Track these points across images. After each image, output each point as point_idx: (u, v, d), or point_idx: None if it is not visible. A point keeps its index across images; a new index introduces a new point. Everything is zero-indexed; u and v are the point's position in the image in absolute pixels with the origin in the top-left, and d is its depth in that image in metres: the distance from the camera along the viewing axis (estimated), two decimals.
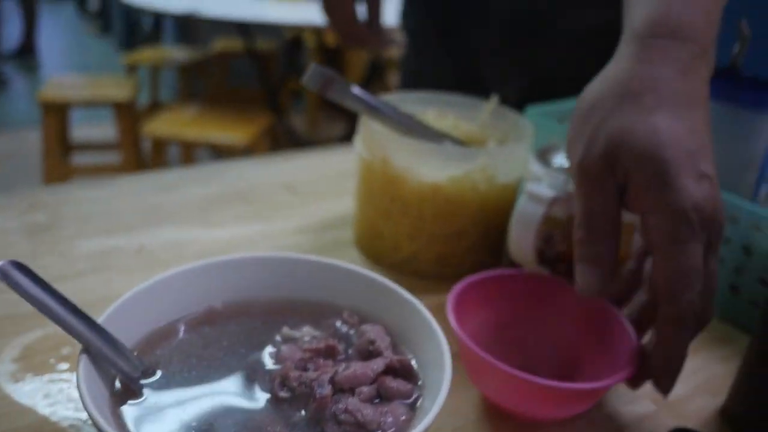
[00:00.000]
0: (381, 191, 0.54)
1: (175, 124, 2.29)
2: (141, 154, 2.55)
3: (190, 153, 2.50)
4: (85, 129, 3.25)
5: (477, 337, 0.43)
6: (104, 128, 3.28)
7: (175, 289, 0.36)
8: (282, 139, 2.82)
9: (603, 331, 0.44)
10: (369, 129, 0.54)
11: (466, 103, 0.60)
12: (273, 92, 2.70)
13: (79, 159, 2.74)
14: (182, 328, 0.36)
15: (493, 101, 0.59)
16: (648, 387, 0.41)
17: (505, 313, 0.46)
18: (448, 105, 0.60)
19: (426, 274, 0.54)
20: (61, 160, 2.46)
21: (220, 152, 2.45)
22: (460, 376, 0.43)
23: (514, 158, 0.53)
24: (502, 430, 0.41)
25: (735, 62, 0.53)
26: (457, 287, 0.43)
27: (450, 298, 0.42)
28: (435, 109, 0.60)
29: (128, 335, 0.34)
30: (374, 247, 0.57)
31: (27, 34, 5.18)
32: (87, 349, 0.31)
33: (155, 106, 3.18)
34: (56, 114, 2.42)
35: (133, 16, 5.10)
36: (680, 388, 0.45)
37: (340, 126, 3.11)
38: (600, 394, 0.42)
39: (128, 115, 2.47)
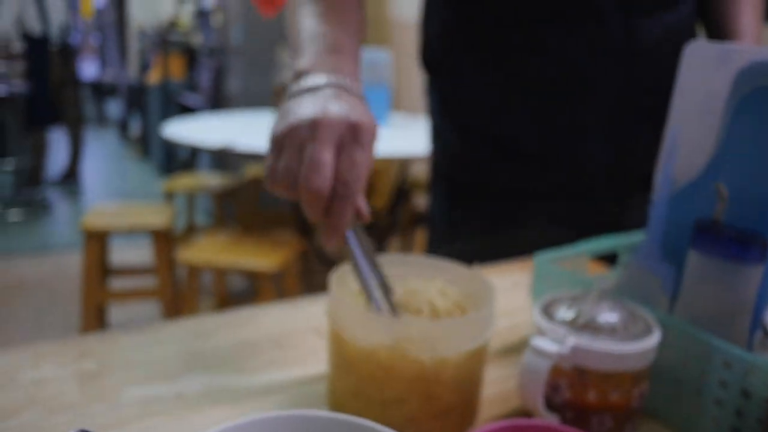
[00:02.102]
0: (333, 347, 0.58)
1: (208, 250, 2.38)
2: (176, 279, 2.64)
3: (222, 278, 2.58)
4: (123, 252, 3.38)
5: None
6: (141, 252, 3.41)
7: None
8: (312, 260, 2.90)
9: None
10: (332, 284, 0.58)
11: (459, 271, 0.64)
12: (301, 215, 2.81)
13: (116, 283, 2.84)
14: None
15: (474, 271, 0.63)
16: None
17: None
18: (438, 271, 0.64)
19: None
20: (99, 284, 2.55)
21: (252, 277, 2.53)
22: None
23: (460, 332, 0.54)
24: None
25: (717, 219, 0.58)
26: None
27: None
28: (423, 274, 0.64)
29: None
30: (330, 401, 0.60)
31: (72, 161, 5.47)
32: None
33: (191, 231, 3.31)
34: (97, 241, 2.54)
35: (171, 143, 5.39)
36: None
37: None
38: None
39: (165, 241, 2.58)
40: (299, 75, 0.64)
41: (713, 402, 0.57)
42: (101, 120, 8.97)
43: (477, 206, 1.07)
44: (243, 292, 3.27)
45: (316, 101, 0.58)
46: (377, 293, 0.58)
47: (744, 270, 0.57)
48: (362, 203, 0.58)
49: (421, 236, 3.21)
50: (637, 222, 0.82)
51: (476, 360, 0.56)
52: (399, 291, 0.61)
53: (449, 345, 0.53)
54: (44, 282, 3.48)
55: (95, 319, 2.59)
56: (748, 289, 0.58)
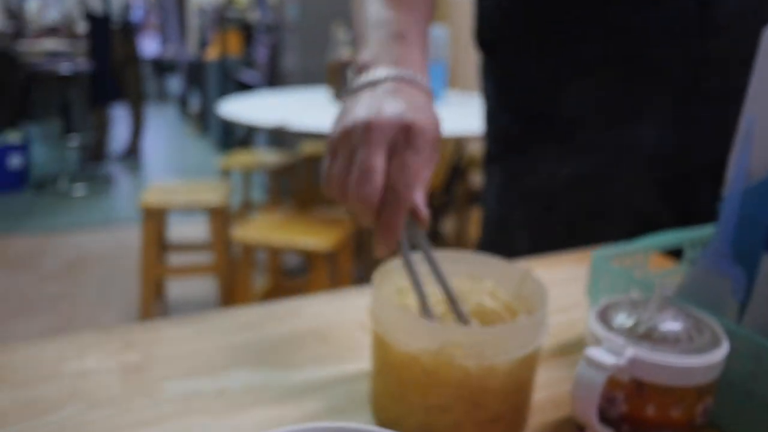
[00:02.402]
0: (375, 349, 0.55)
1: (263, 228, 2.40)
2: (231, 255, 2.67)
3: (277, 256, 2.60)
4: (181, 229, 3.44)
5: None
6: (198, 228, 3.46)
7: None
8: (366, 240, 2.89)
9: None
10: (375, 282, 0.55)
11: (510, 270, 0.60)
12: None
13: (174, 258, 2.90)
14: None
15: (526, 271, 0.59)
16: None
17: None
18: (489, 269, 0.61)
19: None
20: (157, 260, 2.60)
21: (306, 254, 2.53)
22: None
23: (509, 338, 0.51)
24: None
25: None
26: None
27: None
28: (473, 272, 0.61)
29: None
30: (373, 404, 0.58)
31: (134, 137, 5.60)
32: None
33: (247, 208, 3.34)
34: (155, 217, 2.58)
35: (228, 121, 5.46)
36: None
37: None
38: None
39: (221, 218, 2.61)
40: (361, 68, 0.61)
41: None
42: (162, 96, 9.15)
43: (532, 192, 1.03)
44: (297, 269, 3.29)
45: (374, 99, 0.55)
46: (430, 305, 0.55)
47: None
48: (420, 207, 0.55)
49: (476, 215, 3.16)
50: (705, 215, 0.76)
51: (527, 367, 0.53)
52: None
53: (497, 352, 0.50)
54: (106, 256, 3.58)
55: (154, 293, 2.65)
56: None
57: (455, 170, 2.88)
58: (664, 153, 0.94)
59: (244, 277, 2.46)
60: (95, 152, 5.26)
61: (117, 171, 5.30)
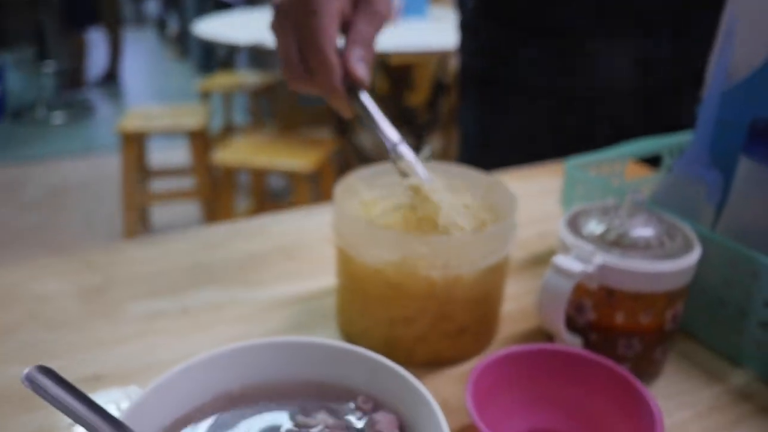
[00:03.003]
0: (340, 263, 0.54)
1: (243, 151, 2.36)
2: (214, 180, 2.63)
3: (259, 177, 2.57)
4: (163, 153, 3.39)
5: (503, 419, 0.43)
6: (181, 152, 3.41)
7: (197, 377, 0.38)
8: (351, 159, 2.86)
9: (631, 405, 0.43)
10: (336, 196, 0.53)
11: (481, 179, 0.58)
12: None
13: (157, 184, 2.86)
14: (200, 417, 0.37)
15: (494, 180, 0.57)
16: None
17: (530, 391, 0.45)
18: (460, 179, 0.58)
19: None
20: (138, 186, 2.57)
21: (289, 177, 2.50)
22: None
23: (474, 247, 0.49)
24: None
25: None
26: (478, 368, 0.43)
27: (470, 382, 0.42)
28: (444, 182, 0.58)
29: (150, 427, 0.35)
30: (338, 319, 0.57)
31: (112, 61, 5.44)
32: None
33: (228, 131, 3.28)
34: (135, 143, 2.53)
35: (208, 42, 5.30)
36: None
37: (409, 141, 3.13)
38: None
39: (201, 141, 2.56)
40: None
41: (758, 324, 0.51)
42: (139, 20, 8.85)
43: (513, 108, 0.99)
44: (281, 191, 3.26)
45: None
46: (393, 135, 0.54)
47: None
48: (352, 63, 0.51)
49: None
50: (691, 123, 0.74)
51: (494, 277, 0.52)
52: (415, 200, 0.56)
53: (462, 261, 0.48)
54: (88, 184, 3.53)
55: (138, 220, 2.63)
56: None
57: (439, 87, 2.81)
58: (659, 63, 0.91)
59: (227, 201, 2.44)
60: (72, 79, 5.11)
61: (96, 98, 5.17)
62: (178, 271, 0.65)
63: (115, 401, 0.49)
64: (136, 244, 0.70)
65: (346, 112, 0.53)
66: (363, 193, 0.57)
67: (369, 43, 0.52)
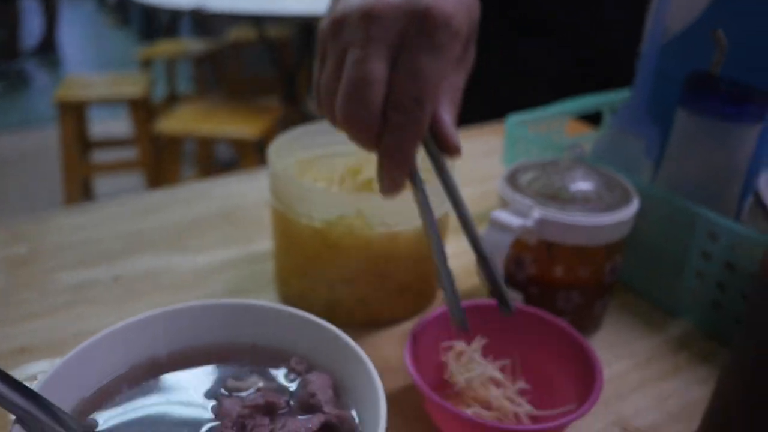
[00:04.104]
0: (276, 226, 0.52)
1: (187, 120, 2.30)
2: (158, 150, 2.56)
3: (206, 146, 2.51)
4: (105, 124, 3.29)
5: (443, 376, 0.43)
6: (124, 123, 3.31)
7: (117, 345, 0.36)
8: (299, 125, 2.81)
9: (572, 357, 0.43)
10: (270, 156, 0.51)
11: None
12: (288, 79, 2.69)
13: (100, 156, 2.78)
14: (124, 385, 0.36)
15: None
16: (617, 415, 0.40)
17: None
18: None
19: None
20: (80, 158, 2.49)
21: (236, 145, 2.45)
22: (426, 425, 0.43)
23: (408, 205, 0.44)
24: None
25: (713, 72, 0.50)
26: (417, 326, 0.42)
27: (408, 340, 0.41)
28: None
29: (70, 398, 0.33)
30: (277, 282, 0.56)
31: (47, 30, 5.23)
32: (21, 420, 0.30)
33: (172, 100, 3.20)
34: (73, 113, 2.45)
35: (150, 9, 5.13)
36: (653, 414, 0.44)
37: None
38: (562, 430, 0.41)
39: (143, 110, 2.49)
40: None
41: (695, 274, 0.52)
42: None
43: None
44: (230, 161, 3.21)
45: None
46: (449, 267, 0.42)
47: (739, 130, 0.51)
48: (446, 127, 0.39)
49: None
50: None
51: None
52: (350, 163, 0.54)
53: (399, 219, 0.47)
54: (27, 157, 3.41)
55: (80, 192, 2.55)
56: (742, 151, 0.51)
57: None
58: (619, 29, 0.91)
59: (172, 171, 2.38)
60: (7, 49, 4.90)
61: (32, 68, 4.97)
62: (111, 238, 0.62)
63: (43, 373, 0.47)
64: (66, 212, 0.67)
65: (398, 186, 0.41)
66: (299, 152, 0.55)
67: (458, 100, 0.41)
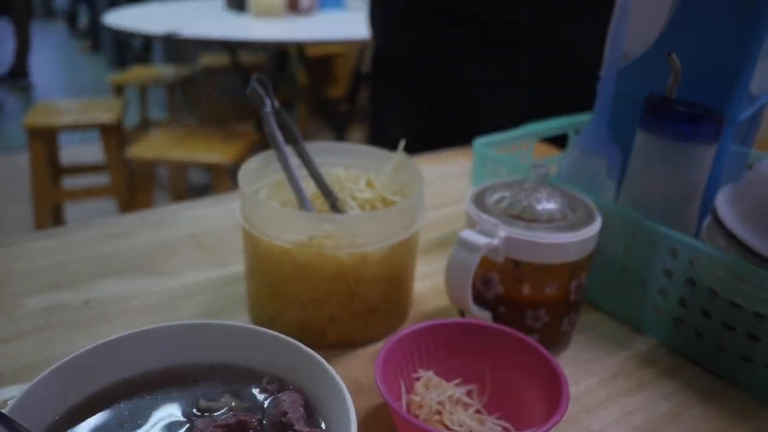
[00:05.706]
0: (247, 248, 0.53)
1: (160, 145, 2.29)
2: (131, 176, 2.55)
3: (178, 172, 2.50)
4: (77, 151, 3.26)
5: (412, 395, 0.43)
6: (95, 149, 3.28)
7: (89, 366, 0.36)
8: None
9: (541, 375, 0.43)
10: (241, 179, 0.52)
11: (380, 156, 0.58)
12: None
13: (72, 182, 2.75)
14: (97, 406, 0.36)
15: (400, 155, 0.56)
16: (585, 430, 0.40)
17: (441, 365, 0.46)
18: (362, 156, 0.58)
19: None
20: (50, 184, 2.46)
21: (210, 170, 2.45)
22: None
23: (381, 225, 0.48)
24: None
25: (669, 95, 0.52)
26: (387, 345, 0.43)
27: (379, 359, 0.41)
28: (350, 164, 0.58)
29: (42, 419, 0.33)
30: (249, 303, 0.56)
31: (19, 55, 5.19)
32: None
33: (145, 125, 3.19)
34: (44, 139, 2.42)
35: (122, 35, 5.12)
36: (619, 429, 0.45)
37: (330, 135, 3.11)
38: None
39: (115, 136, 2.47)
40: None
41: (657, 291, 0.53)
42: (48, 13, 8.48)
43: (427, 92, 1.00)
44: (203, 187, 3.19)
45: None
46: (308, 197, 0.51)
47: (695, 150, 0.52)
48: None
49: None
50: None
51: (402, 254, 0.52)
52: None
53: (369, 240, 0.48)
54: None
55: (50, 218, 2.52)
56: (699, 170, 0.53)
57: (359, 78, 2.81)
58: (590, 53, 0.94)
59: (145, 197, 2.36)
60: None
61: (3, 94, 4.93)
62: (80, 262, 0.62)
63: (13, 399, 0.46)
64: (35, 236, 0.66)
65: None
66: (270, 175, 0.56)
67: None
